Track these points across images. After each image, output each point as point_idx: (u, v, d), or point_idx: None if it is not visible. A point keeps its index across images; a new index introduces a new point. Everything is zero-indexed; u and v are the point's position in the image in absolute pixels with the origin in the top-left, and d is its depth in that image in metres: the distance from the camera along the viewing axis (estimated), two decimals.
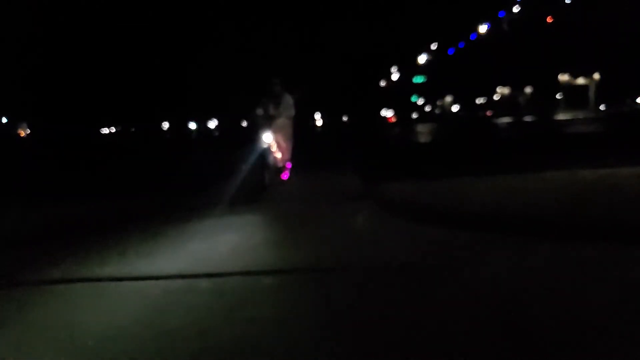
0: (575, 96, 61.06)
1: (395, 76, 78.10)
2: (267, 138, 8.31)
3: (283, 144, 8.76)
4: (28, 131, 61.02)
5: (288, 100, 8.79)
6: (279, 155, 8.62)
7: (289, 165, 9.07)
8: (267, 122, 8.52)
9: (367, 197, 7.07)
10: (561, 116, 50.88)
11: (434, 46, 75.37)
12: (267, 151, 8.31)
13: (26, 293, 3.79)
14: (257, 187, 7.89)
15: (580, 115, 47.92)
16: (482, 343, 2.61)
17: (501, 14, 69.39)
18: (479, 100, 74.29)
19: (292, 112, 8.86)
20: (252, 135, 8.61)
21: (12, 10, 48.42)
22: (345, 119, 74.05)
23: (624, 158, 7.88)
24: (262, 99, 8.76)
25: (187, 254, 4.66)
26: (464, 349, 2.55)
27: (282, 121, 8.70)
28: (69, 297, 3.63)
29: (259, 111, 8.66)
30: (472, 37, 71.75)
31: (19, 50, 49.94)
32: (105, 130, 68.83)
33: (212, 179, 9.50)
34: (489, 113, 67.71)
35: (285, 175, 9.03)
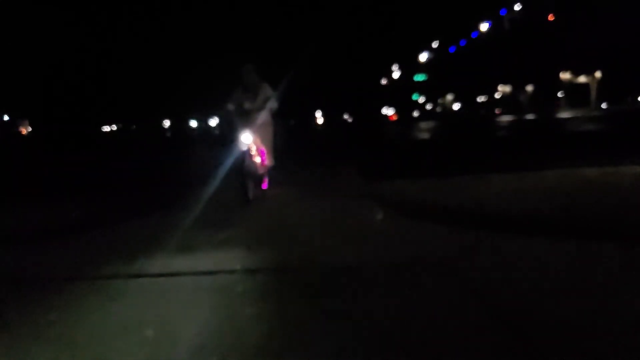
0: (577, 94, 61.01)
1: (396, 74, 78.10)
2: (246, 139, 6.97)
3: (263, 146, 7.38)
4: (29, 129, 61.09)
5: (267, 91, 7.37)
6: (258, 159, 7.24)
7: (265, 179, 7.66)
8: (244, 118, 7.14)
9: (368, 196, 7.06)
10: (562, 114, 50.81)
11: (435, 44, 75.37)
12: (246, 155, 6.95)
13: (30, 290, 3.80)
14: (239, 200, 6.83)
15: (581, 113, 47.83)
16: (482, 342, 2.61)
17: (502, 12, 69.30)
18: (480, 99, 74.31)
19: (274, 104, 7.38)
20: (228, 135, 7.48)
21: (13, 10, 48.46)
22: (346, 117, 74.11)
23: (626, 156, 7.87)
24: (234, 92, 7.42)
25: (186, 254, 4.66)
26: (463, 348, 2.55)
27: (262, 117, 7.29)
28: (72, 296, 3.63)
29: (230, 106, 7.28)
30: (473, 35, 71.69)
31: (20, 49, 49.98)
32: (106, 128, 68.89)
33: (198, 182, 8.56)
34: (497, 111, 67.47)
35: (265, 184, 7.65)
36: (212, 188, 7.68)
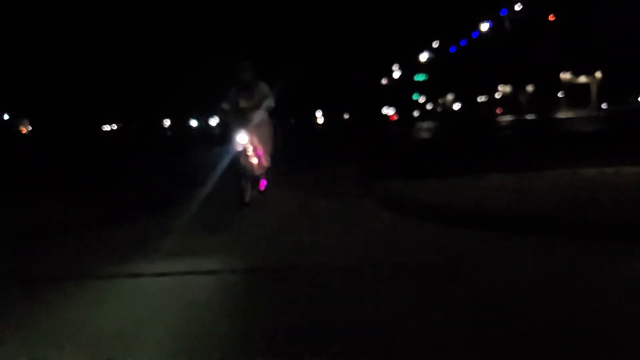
0: (577, 95, 60.97)
1: (396, 74, 78.04)
2: (242, 139, 6.74)
3: (260, 146, 7.10)
4: (30, 128, 61.08)
5: (263, 89, 7.08)
6: (255, 160, 6.95)
7: (263, 181, 7.34)
8: (240, 118, 6.93)
9: (368, 196, 7.05)
10: (563, 115, 50.80)
11: (435, 44, 75.28)
12: (242, 155, 6.76)
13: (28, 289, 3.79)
14: (236, 202, 6.68)
15: (581, 113, 47.84)
16: (482, 343, 2.60)
17: (503, 12, 69.23)
18: (481, 99, 74.27)
19: (271, 103, 7.07)
20: (225, 135, 7.25)
21: (14, 10, 48.52)
22: (346, 116, 74.02)
23: (626, 157, 7.87)
24: (229, 90, 7.13)
25: (185, 254, 4.65)
26: (465, 349, 2.55)
27: (259, 116, 7.01)
28: (68, 294, 3.63)
29: (225, 105, 7.05)
30: (473, 35, 71.59)
31: (20, 49, 50.03)
32: (106, 127, 68.84)
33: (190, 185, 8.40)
34: (498, 111, 67.44)
35: (262, 185, 7.35)
36: (211, 189, 7.66)
